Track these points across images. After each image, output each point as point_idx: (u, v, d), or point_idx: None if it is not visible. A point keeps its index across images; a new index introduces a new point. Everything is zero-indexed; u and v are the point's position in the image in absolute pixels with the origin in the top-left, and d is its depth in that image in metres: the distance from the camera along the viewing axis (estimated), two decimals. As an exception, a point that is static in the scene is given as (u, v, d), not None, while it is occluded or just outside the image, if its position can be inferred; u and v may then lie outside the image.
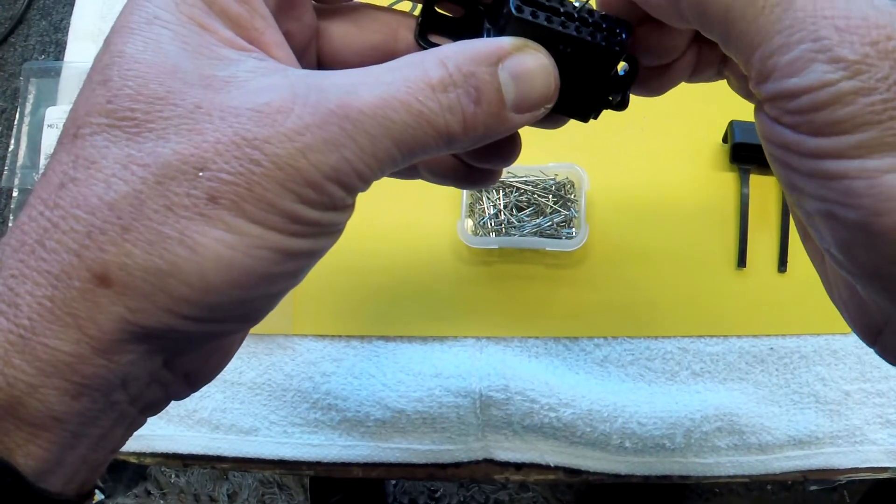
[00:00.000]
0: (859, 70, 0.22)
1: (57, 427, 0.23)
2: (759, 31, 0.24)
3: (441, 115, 0.25)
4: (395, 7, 0.32)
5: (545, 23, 0.27)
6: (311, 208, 0.24)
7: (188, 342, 0.25)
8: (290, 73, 0.24)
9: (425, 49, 0.30)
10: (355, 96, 0.24)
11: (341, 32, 0.31)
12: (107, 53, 0.24)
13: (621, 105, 0.31)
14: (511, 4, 0.27)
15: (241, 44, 0.25)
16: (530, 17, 0.27)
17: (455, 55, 0.25)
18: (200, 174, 0.22)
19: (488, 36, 0.28)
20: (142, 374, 0.24)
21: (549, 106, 0.28)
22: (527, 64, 0.26)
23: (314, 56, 0.31)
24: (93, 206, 0.22)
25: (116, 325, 0.22)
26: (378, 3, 0.32)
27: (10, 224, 0.59)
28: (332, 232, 0.26)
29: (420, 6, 0.31)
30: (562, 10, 0.28)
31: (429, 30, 0.30)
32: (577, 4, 0.28)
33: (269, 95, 0.23)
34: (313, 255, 0.26)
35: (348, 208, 0.26)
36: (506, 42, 0.26)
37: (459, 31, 0.31)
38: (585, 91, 0.30)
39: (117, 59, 0.23)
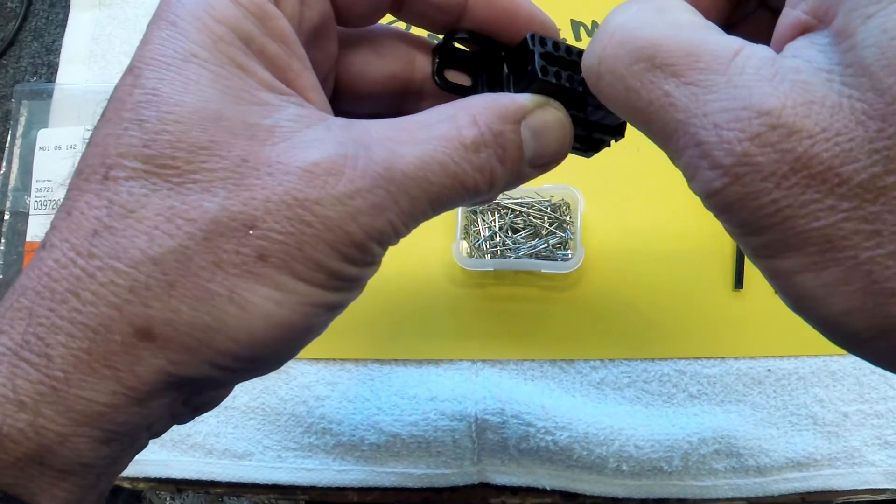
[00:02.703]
0: (739, 174, 0.20)
1: (84, 472, 0.23)
2: (657, 132, 0.23)
3: (472, 176, 0.25)
4: (411, 31, 0.33)
5: (567, 84, 0.28)
6: (353, 266, 0.24)
7: (216, 385, 0.25)
8: (332, 125, 0.24)
9: (441, 86, 0.31)
10: (398, 156, 0.24)
11: (360, 60, 0.31)
12: (138, 87, 0.23)
13: (620, 138, 0.32)
14: (536, 65, 0.27)
15: (279, 87, 0.25)
16: (554, 80, 0.27)
17: (486, 112, 0.26)
18: (250, 232, 0.22)
19: (507, 82, 0.29)
20: (166, 415, 0.25)
21: (561, 161, 0.29)
22: (547, 122, 0.27)
23: (332, 83, 0.31)
24: (135, 259, 0.22)
25: (156, 376, 0.22)
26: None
27: (0, 247, 0.59)
28: (364, 284, 0.26)
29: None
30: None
31: (446, 66, 0.31)
32: None
33: (318, 154, 0.23)
34: (345, 306, 0.26)
35: (380, 262, 0.26)
36: (529, 100, 0.27)
37: (476, 68, 0.31)
38: (592, 135, 0.31)
39: (152, 97, 0.23)
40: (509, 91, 0.29)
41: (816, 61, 0.20)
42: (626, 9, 0.24)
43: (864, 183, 0.19)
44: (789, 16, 0.22)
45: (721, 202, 0.21)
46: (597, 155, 0.32)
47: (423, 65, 0.32)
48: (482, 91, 0.30)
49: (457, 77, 0.31)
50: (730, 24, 0.30)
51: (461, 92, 0.31)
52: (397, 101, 0.32)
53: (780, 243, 0.20)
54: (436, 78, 0.30)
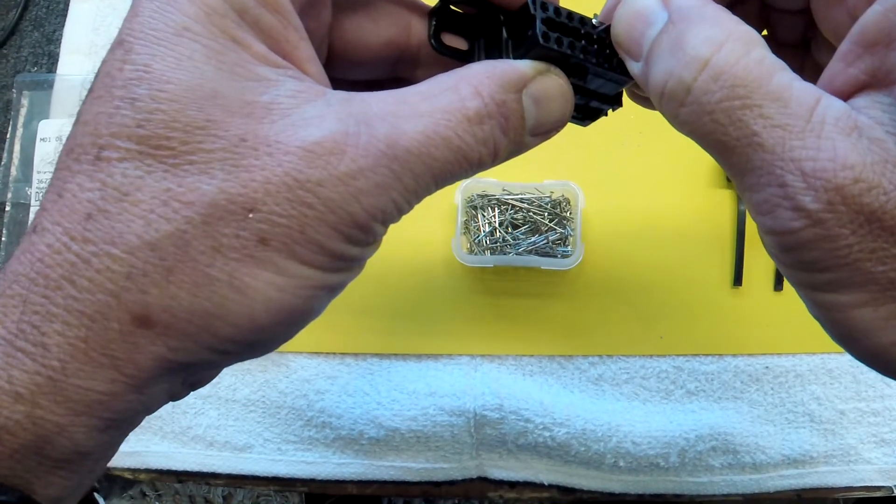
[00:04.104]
0: (821, 219, 0.22)
1: (82, 459, 0.23)
2: (735, 164, 0.24)
3: (476, 149, 0.25)
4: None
5: (568, 51, 0.27)
6: (355, 246, 0.24)
7: (216, 367, 0.25)
8: (332, 100, 0.24)
9: (437, 50, 0.30)
10: (401, 132, 0.23)
11: (355, 26, 0.30)
12: (128, 63, 0.22)
13: (618, 108, 0.32)
14: (538, 31, 0.27)
15: (275, 59, 0.24)
16: (556, 47, 0.27)
17: (488, 82, 0.25)
18: (251, 215, 0.22)
19: (507, 47, 0.29)
20: (165, 398, 0.25)
21: (560, 129, 0.28)
22: (549, 90, 0.27)
23: (325, 49, 0.30)
24: (131, 245, 0.21)
25: (155, 363, 0.22)
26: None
27: (2, 238, 0.59)
28: (364, 263, 0.26)
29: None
30: (583, 30, 0.28)
31: (443, 30, 0.30)
32: (595, 22, 0.28)
33: (318, 132, 0.22)
34: (345, 286, 0.26)
35: (381, 240, 0.26)
36: (530, 67, 0.27)
37: (474, 31, 0.30)
38: (590, 104, 0.31)
39: (144, 74, 0.22)
40: (507, 56, 0.28)
41: (883, 122, 0.22)
42: (715, 40, 0.23)
43: None
44: (846, 73, 0.24)
45: (794, 241, 0.22)
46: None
47: (419, 30, 0.31)
48: (479, 56, 0.30)
49: (454, 41, 0.31)
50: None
51: (458, 56, 0.30)
52: (393, 66, 0.32)
53: (844, 280, 0.22)
54: (432, 41, 0.30)
